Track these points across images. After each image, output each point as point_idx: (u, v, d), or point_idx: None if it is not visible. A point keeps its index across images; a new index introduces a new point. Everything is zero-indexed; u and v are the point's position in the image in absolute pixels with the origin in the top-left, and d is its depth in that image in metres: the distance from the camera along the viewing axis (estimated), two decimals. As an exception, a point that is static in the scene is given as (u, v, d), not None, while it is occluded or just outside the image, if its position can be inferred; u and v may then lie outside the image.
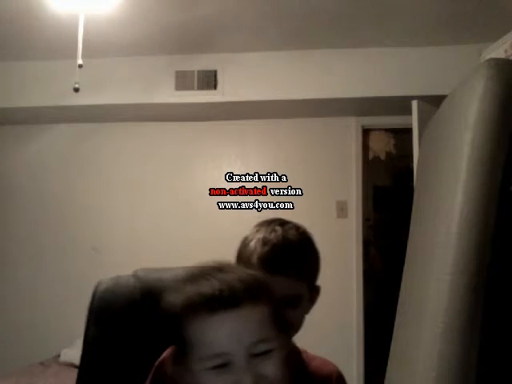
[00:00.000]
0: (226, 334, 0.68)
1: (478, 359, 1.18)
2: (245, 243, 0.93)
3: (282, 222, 0.94)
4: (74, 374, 1.01)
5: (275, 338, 0.71)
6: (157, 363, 0.89)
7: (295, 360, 0.94)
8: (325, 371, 0.94)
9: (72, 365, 2.73)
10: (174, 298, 0.73)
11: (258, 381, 0.67)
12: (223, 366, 0.67)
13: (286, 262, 0.87)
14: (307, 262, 0.92)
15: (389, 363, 1.77)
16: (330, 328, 3.16)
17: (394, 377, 1.67)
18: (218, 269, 0.74)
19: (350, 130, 3.37)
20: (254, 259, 0.88)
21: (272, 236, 0.90)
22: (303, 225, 0.98)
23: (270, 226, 0.93)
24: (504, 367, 1.24)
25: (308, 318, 0.94)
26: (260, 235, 0.91)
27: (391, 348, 1.80)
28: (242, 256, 0.92)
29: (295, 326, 0.92)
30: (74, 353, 2.71)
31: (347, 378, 0.97)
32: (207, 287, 0.70)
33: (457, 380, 1.18)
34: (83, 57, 2.16)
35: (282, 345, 0.72)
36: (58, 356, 2.97)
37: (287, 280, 0.86)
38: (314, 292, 0.94)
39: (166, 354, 0.90)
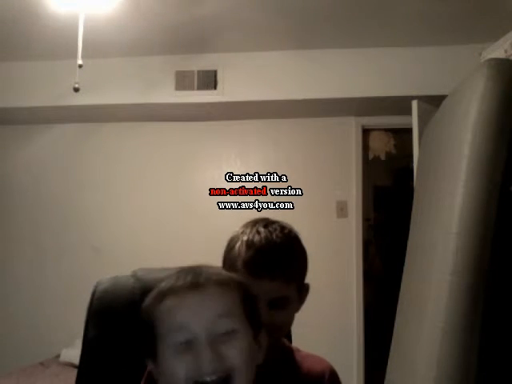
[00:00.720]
0: (186, 307, 0.68)
1: (478, 359, 1.18)
2: (230, 246, 0.92)
3: (267, 223, 0.93)
4: (74, 373, 1.01)
5: (242, 320, 0.70)
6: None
7: (287, 359, 0.94)
8: (318, 369, 0.93)
9: (72, 365, 2.73)
10: (148, 297, 0.74)
11: (217, 359, 0.65)
12: (186, 346, 0.66)
13: (271, 265, 0.86)
14: (293, 263, 0.90)
15: (389, 363, 1.77)
16: (330, 328, 3.17)
17: (394, 376, 1.67)
18: (194, 268, 0.75)
19: (350, 129, 3.37)
20: (239, 264, 0.87)
21: (256, 239, 0.88)
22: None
23: (255, 228, 0.91)
24: (504, 367, 1.24)
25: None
26: (244, 237, 0.90)
27: (391, 348, 1.80)
28: (228, 259, 0.91)
29: (284, 327, 0.92)
30: (74, 353, 2.70)
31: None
32: (178, 280, 0.71)
33: (456, 380, 1.18)
34: (83, 57, 2.15)
35: (249, 332, 0.71)
36: (58, 356, 2.96)
37: (274, 283, 0.85)
38: (303, 291, 0.93)
39: None
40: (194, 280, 0.70)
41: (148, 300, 0.74)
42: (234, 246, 0.90)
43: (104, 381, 0.99)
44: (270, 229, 0.91)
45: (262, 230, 0.90)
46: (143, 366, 0.84)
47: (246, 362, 0.68)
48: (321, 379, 0.92)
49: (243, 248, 0.88)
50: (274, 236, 0.89)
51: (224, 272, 0.77)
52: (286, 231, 0.92)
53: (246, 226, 0.94)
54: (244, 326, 0.70)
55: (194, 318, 0.67)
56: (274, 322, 0.85)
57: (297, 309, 0.92)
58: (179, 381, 0.66)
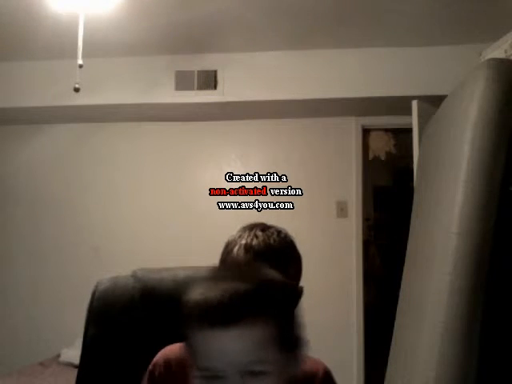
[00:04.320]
0: (218, 351, 0.66)
1: (478, 359, 1.18)
2: (227, 250, 0.94)
3: (264, 227, 0.96)
4: (74, 373, 1.01)
5: (274, 359, 0.68)
6: (150, 367, 0.89)
7: None
8: (312, 368, 0.94)
9: (72, 365, 2.73)
10: (187, 299, 0.70)
11: None
12: (217, 378, 0.65)
13: (269, 267, 0.88)
14: (290, 267, 0.92)
15: (389, 363, 1.77)
16: (330, 328, 3.16)
17: (394, 377, 1.67)
18: (229, 272, 0.73)
19: (350, 130, 3.37)
20: None
21: (254, 242, 0.91)
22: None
23: (252, 232, 0.94)
24: (504, 367, 1.24)
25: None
26: (242, 241, 0.92)
27: (391, 348, 1.80)
28: (225, 262, 0.93)
29: None
30: (74, 353, 2.70)
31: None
32: (212, 297, 0.67)
33: (456, 380, 1.18)
34: (83, 57, 2.15)
35: (283, 366, 0.69)
36: (58, 356, 2.97)
37: None
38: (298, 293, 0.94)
39: (158, 357, 0.90)
40: (226, 306, 0.65)
41: (187, 306, 0.69)
42: (231, 250, 0.93)
43: (104, 381, 0.99)
44: (268, 233, 0.94)
45: (259, 233, 0.93)
46: (143, 366, 0.84)
47: None
48: (313, 377, 0.92)
49: (241, 251, 0.90)
50: (272, 240, 0.92)
51: (262, 280, 0.71)
52: (282, 235, 0.95)
53: (243, 230, 0.96)
54: (277, 365, 0.68)
55: (225, 365, 0.65)
56: None
57: None
58: None
